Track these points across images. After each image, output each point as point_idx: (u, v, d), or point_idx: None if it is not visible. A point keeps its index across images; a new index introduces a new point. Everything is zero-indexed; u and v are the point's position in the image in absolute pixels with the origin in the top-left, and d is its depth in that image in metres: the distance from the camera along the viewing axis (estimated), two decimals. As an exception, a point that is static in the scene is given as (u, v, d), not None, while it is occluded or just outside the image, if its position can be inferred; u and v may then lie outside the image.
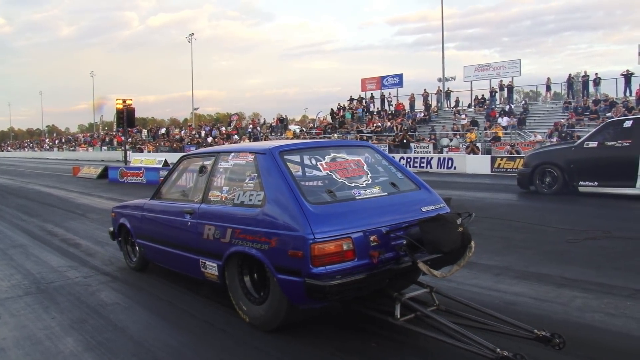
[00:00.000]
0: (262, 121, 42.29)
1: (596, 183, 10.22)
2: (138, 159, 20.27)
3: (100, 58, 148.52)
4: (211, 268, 3.91)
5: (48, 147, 67.11)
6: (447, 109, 31.65)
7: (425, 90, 32.70)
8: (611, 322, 3.75)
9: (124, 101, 20.85)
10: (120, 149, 39.94)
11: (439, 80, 33.39)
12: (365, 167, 3.87)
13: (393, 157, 6.56)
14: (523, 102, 30.38)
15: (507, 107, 27.40)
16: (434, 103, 32.41)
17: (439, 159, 20.89)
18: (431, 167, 20.65)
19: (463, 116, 28.33)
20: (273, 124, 37.83)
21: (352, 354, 3.25)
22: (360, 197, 3.48)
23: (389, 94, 34.52)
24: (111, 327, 3.95)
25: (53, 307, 4.50)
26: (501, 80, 29.47)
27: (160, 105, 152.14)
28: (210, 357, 3.34)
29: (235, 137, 35.17)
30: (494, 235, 6.98)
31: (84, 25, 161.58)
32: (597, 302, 4.17)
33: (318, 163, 3.78)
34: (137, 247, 5.35)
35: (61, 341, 3.71)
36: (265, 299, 3.55)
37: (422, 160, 21.25)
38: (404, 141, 24.27)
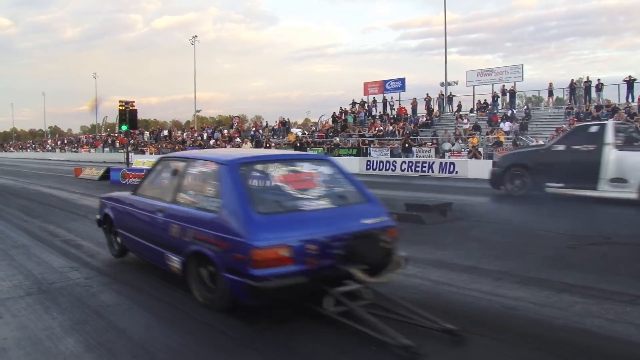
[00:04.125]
0: (264, 124, 42.36)
1: (562, 185, 10.49)
2: (140, 161, 20.33)
3: (103, 60, 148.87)
4: (175, 262, 4.42)
5: (50, 148, 67.25)
6: (449, 113, 31.66)
7: (427, 94, 32.74)
8: (611, 327, 3.77)
9: (127, 103, 20.89)
10: (122, 151, 40.08)
11: (442, 84, 33.42)
12: (319, 180, 4.17)
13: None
14: (525, 107, 30.39)
15: (509, 112, 27.42)
16: (436, 108, 32.42)
17: (441, 163, 20.88)
18: (433, 172, 20.65)
19: (465, 121, 28.34)
20: (275, 127, 37.89)
21: (352, 356, 3.37)
22: (305, 209, 3.83)
23: (392, 98, 34.55)
24: (112, 328, 3.96)
25: (54, 307, 4.51)
26: (503, 85, 29.46)
27: (162, 107, 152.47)
28: (210, 359, 3.41)
29: (237, 139, 35.22)
30: (495, 239, 6.99)
31: (88, 27, 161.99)
32: (597, 307, 4.18)
33: (275, 175, 4.06)
34: (117, 237, 5.85)
35: (62, 342, 3.72)
36: (217, 289, 3.97)
37: (424, 164, 21.25)
38: (406, 145, 24.29)
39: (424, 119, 31.14)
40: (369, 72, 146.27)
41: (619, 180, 9.73)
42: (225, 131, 40.08)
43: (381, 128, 30.22)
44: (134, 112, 20.98)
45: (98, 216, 6.54)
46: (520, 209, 10.17)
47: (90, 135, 66.54)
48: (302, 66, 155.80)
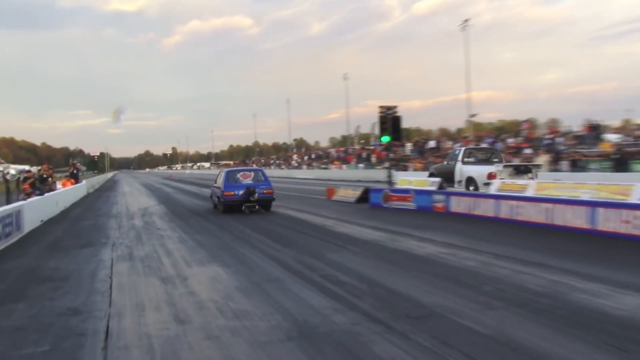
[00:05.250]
0: (564, 129, 40.21)
1: (445, 184, 19.46)
2: (406, 180, 20.94)
3: (354, 58, 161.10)
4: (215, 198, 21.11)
5: (296, 164, 74.75)
6: None
7: None
8: None
9: (388, 108, 21.76)
10: (379, 167, 42.11)
11: None
12: (253, 175, 19.97)
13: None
14: None
15: None
16: None
17: None
18: None
19: None
20: (581, 133, 35.59)
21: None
22: (244, 182, 19.37)
23: None
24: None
25: (319, 357, 4.77)
26: None
27: (427, 112, 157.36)
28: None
29: (528, 150, 34.09)
30: None
31: (336, 20, 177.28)
32: None
33: (237, 174, 19.92)
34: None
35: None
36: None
37: None
38: None
39: None
40: None
41: (459, 181, 19.65)
42: (510, 140, 39.21)
43: None
44: (397, 120, 21.73)
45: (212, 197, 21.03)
46: None
47: (342, 149, 71.91)
48: (618, 47, 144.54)
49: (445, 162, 21.79)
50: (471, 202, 15.70)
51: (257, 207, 18.79)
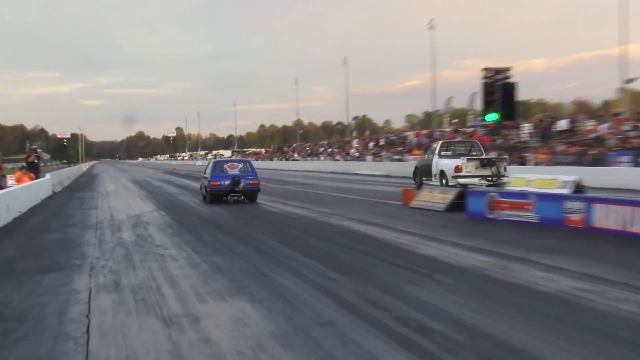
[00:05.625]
0: None
1: (425, 179, 27.97)
2: (522, 178, 20.43)
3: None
4: (203, 189, 31.18)
5: (357, 153, 74.34)
6: None
7: None
8: None
9: (497, 71, 21.51)
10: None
11: None
12: (240, 166, 29.30)
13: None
14: None
15: None
16: None
17: None
18: None
19: None
20: None
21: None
22: (230, 173, 28.53)
23: None
24: None
25: None
26: None
27: (555, 76, 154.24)
28: None
29: None
30: None
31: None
32: None
33: (225, 165, 29.65)
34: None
35: None
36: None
37: None
38: None
39: None
40: None
41: (435, 175, 27.06)
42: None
43: None
44: (510, 89, 21.55)
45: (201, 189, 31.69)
46: None
47: (424, 133, 71.10)
48: None
49: (426, 156, 30.65)
50: (627, 214, 15.18)
51: (242, 197, 28.16)
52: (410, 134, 75.09)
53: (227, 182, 27.44)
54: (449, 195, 22.40)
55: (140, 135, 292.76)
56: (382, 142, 76.83)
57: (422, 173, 28.47)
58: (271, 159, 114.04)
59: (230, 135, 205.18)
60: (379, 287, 10.09)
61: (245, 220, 20.76)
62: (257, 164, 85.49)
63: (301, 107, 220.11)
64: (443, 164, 25.72)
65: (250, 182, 27.86)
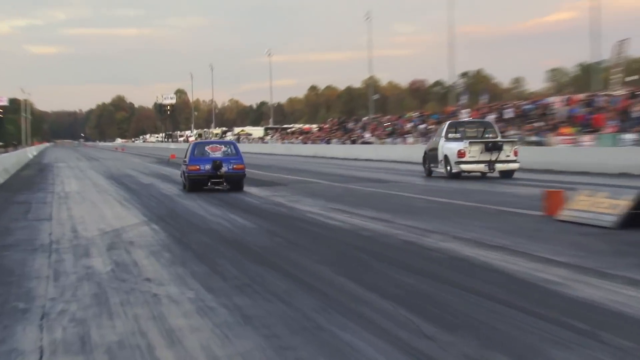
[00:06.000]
0: None
1: (432, 165, 32.49)
2: None
3: None
4: (182, 175, 33.23)
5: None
6: None
7: None
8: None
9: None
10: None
11: None
12: (223, 149, 30.91)
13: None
14: None
15: None
16: None
17: None
18: None
19: None
20: None
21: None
22: (212, 156, 29.75)
23: None
24: None
25: None
26: None
27: None
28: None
29: None
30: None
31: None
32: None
33: (206, 147, 31.94)
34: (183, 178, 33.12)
35: None
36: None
37: None
38: None
39: None
40: None
41: (440, 161, 31.90)
42: None
43: None
44: None
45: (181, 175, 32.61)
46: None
47: (579, 98, 51.04)
48: None
49: (433, 139, 31.06)
50: None
51: (224, 184, 27.51)
52: (557, 101, 55.84)
53: (208, 166, 27.19)
54: (623, 202, 16.38)
55: (119, 103, 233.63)
56: (509, 113, 59.59)
57: (430, 159, 28.81)
58: (328, 141, 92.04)
59: (263, 104, 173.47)
60: (507, 352, 7.15)
61: (286, 238, 15.84)
62: (305, 149, 77.81)
63: (376, 59, 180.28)
64: (447, 147, 26.01)
65: (234, 166, 27.66)
